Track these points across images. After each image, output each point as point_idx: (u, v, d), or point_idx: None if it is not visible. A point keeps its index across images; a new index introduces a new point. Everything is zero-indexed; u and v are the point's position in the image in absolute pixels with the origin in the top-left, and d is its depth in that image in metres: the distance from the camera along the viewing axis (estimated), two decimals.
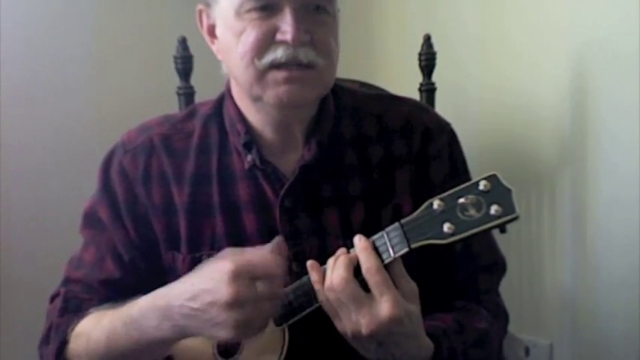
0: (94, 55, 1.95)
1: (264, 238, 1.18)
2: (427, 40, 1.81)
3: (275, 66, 1.11)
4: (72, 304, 1.22)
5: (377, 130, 1.24)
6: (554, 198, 1.88)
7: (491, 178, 0.98)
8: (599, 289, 1.82)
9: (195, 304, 1.02)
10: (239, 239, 1.19)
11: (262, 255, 1.04)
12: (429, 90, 1.83)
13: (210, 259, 1.08)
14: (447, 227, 0.98)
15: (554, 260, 1.91)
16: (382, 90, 1.67)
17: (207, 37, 1.23)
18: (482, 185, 0.97)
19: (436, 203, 0.99)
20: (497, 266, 1.28)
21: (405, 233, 1.01)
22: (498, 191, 0.97)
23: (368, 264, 1.01)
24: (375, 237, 1.03)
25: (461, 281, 1.23)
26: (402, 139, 1.24)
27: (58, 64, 1.92)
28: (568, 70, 1.81)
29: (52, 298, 1.27)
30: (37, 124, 1.89)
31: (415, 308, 1.03)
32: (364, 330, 1.00)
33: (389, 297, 1.00)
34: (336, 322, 1.04)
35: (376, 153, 1.23)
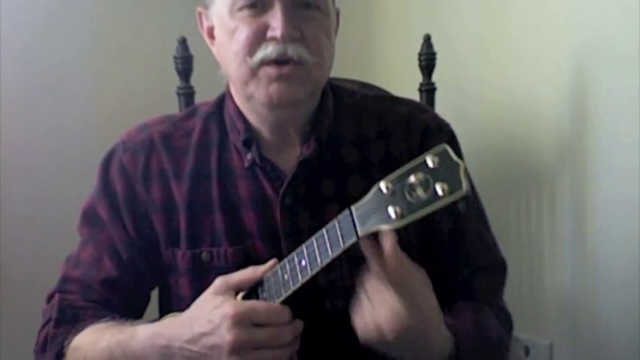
0: (93, 55, 1.95)
1: (265, 236, 1.19)
2: (427, 40, 1.81)
3: (266, 63, 1.12)
4: (68, 314, 1.21)
5: (377, 129, 1.25)
6: (554, 198, 1.88)
7: (440, 153, 0.91)
8: (599, 289, 1.82)
9: (195, 347, 1.05)
10: (239, 236, 1.20)
11: (267, 304, 1.06)
12: (429, 90, 1.83)
13: (205, 294, 1.09)
14: (392, 211, 0.91)
15: (554, 260, 1.91)
16: (382, 90, 1.67)
17: (207, 39, 1.24)
18: (430, 161, 0.91)
19: (384, 186, 0.93)
20: (495, 267, 1.27)
21: (353, 221, 0.96)
22: (447, 167, 0.90)
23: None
24: (328, 226, 0.99)
25: (460, 284, 1.23)
26: (402, 139, 1.24)
27: (58, 64, 1.92)
28: (568, 70, 1.81)
29: (49, 298, 1.27)
30: (37, 124, 1.89)
31: (428, 290, 1.02)
32: (379, 326, 0.99)
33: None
34: (356, 308, 1.02)
35: (376, 152, 1.23)
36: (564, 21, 1.80)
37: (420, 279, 1.01)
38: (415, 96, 1.81)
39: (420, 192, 0.90)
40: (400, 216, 0.91)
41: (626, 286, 1.75)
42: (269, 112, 1.18)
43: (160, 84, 1.88)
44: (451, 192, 0.88)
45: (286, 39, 1.11)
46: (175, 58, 1.75)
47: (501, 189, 1.93)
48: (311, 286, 1.14)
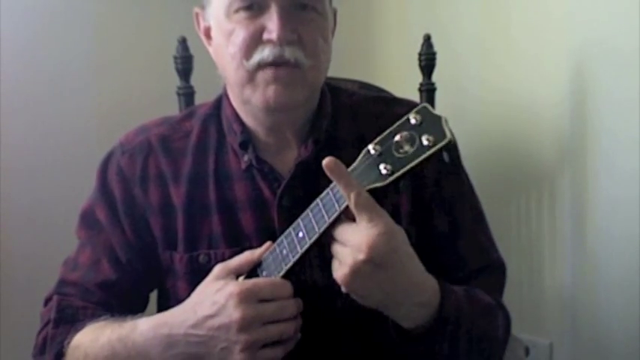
0: (94, 55, 1.95)
1: (262, 238, 1.18)
2: (427, 40, 1.81)
3: (263, 66, 1.12)
4: (67, 314, 1.21)
5: (375, 130, 1.23)
6: (554, 198, 1.88)
7: (421, 110, 0.97)
8: (599, 289, 1.82)
9: (201, 331, 1.05)
10: (236, 239, 1.20)
11: (270, 279, 1.07)
12: (429, 90, 1.83)
13: (206, 281, 1.10)
14: (383, 168, 0.97)
15: (554, 260, 1.91)
16: (382, 91, 1.67)
17: (204, 40, 1.24)
18: (413, 119, 0.97)
19: (372, 148, 0.99)
20: (492, 268, 1.26)
21: None
22: (429, 121, 0.96)
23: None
24: (321, 195, 1.03)
25: (458, 285, 1.22)
26: None
27: (58, 64, 1.91)
28: (568, 70, 1.81)
29: (46, 301, 1.27)
30: (37, 124, 1.89)
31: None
32: (364, 250, 0.97)
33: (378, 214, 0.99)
34: (335, 266, 1.01)
35: None
36: (564, 21, 1.80)
37: (389, 217, 1.00)
38: (415, 96, 1.81)
39: (407, 147, 0.96)
40: (391, 171, 0.97)
41: (626, 286, 1.75)
42: (265, 115, 1.18)
43: (160, 84, 1.88)
44: (436, 142, 0.94)
45: (283, 42, 1.11)
46: (175, 58, 1.75)
47: (501, 189, 1.93)
48: (310, 286, 1.14)
